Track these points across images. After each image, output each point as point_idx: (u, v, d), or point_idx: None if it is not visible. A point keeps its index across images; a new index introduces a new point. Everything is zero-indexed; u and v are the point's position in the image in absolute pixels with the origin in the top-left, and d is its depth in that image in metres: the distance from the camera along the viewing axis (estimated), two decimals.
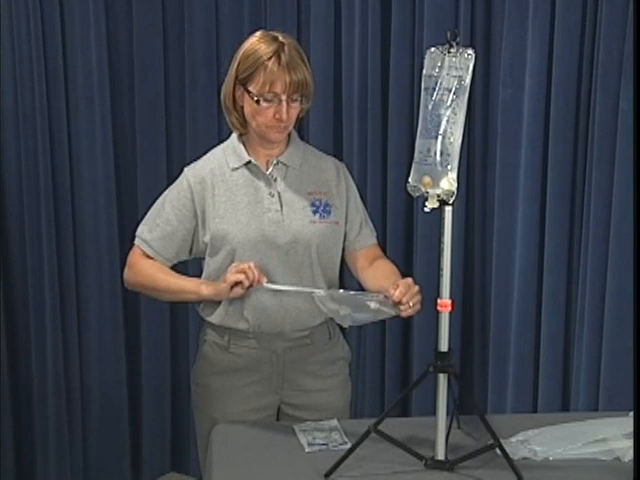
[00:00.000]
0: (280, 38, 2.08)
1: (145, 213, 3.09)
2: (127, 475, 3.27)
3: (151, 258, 2.21)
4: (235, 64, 2.10)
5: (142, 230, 2.24)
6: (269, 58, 2.04)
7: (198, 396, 2.28)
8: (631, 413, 2.00)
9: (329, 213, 2.17)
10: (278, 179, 2.17)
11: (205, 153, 2.23)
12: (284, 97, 2.05)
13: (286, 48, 2.05)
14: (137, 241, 2.25)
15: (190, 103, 3.08)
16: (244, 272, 2.02)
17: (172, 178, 3.02)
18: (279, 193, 2.15)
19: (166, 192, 2.23)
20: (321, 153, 2.29)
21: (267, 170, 2.17)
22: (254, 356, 2.18)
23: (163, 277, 2.19)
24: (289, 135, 2.20)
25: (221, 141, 2.25)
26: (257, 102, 2.07)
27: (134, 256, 2.25)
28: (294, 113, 2.11)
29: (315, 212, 2.16)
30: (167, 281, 2.18)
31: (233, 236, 2.12)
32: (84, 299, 3.06)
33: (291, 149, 2.20)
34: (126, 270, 2.27)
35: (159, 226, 2.20)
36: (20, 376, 3.00)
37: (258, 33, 2.12)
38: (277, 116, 2.07)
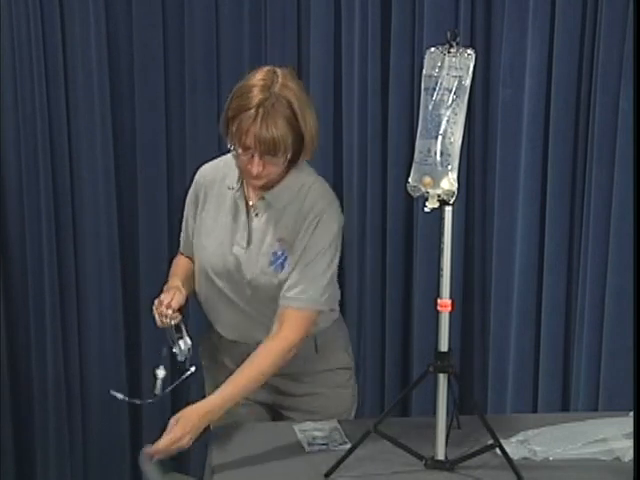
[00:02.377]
0: (276, 88, 1.94)
1: (144, 213, 3.11)
2: (127, 475, 3.26)
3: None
4: (230, 97, 2.01)
5: (182, 227, 2.30)
6: (250, 108, 1.92)
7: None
8: (631, 413, 2.00)
9: (283, 268, 2.07)
10: (259, 214, 2.10)
11: (211, 155, 2.27)
12: (256, 152, 1.94)
13: (272, 101, 1.92)
14: None
15: (190, 103, 3.08)
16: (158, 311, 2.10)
17: (172, 178, 3.06)
18: (251, 231, 2.10)
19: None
20: (325, 195, 2.10)
21: (252, 200, 2.11)
22: (239, 361, 2.15)
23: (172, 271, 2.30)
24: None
25: (220, 140, 2.25)
26: (232, 148, 1.99)
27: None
28: (273, 169, 1.99)
29: (272, 263, 2.07)
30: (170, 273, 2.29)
31: (202, 258, 2.18)
32: (84, 299, 3.05)
33: (281, 187, 2.07)
34: None
35: (186, 229, 2.27)
36: (20, 376, 3.00)
37: (261, 73, 1.99)
38: (249, 167, 1.98)
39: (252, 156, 1.96)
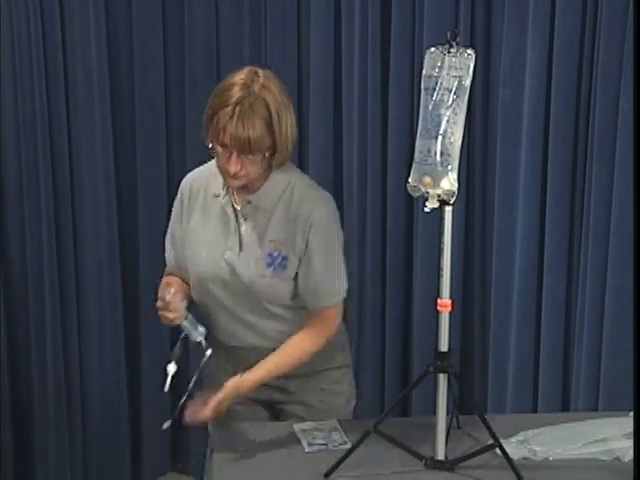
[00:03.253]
0: (256, 87, 1.93)
1: (144, 213, 3.12)
2: (127, 475, 3.27)
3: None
4: (212, 95, 2.00)
5: (167, 246, 2.24)
6: (228, 105, 1.91)
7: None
8: (631, 413, 2.00)
9: (284, 268, 2.05)
10: (248, 218, 2.07)
11: (202, 160, 2.24)
12: (233, 151, 1.93)
13: (250, 100, 1.91)
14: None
15: (190, 103, 3.08)
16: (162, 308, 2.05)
17: (172, 178, 3.06)
18: (241, 235, 2.07)
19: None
20: (308, 193, 2.07)
21: (239, 205, 2.08)
22: (238, 363, 2.14)
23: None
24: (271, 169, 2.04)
25: None
26: (210, 146, 1.97)
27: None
28: (251, 169, 1.96)
29: (270, 265, 2.05)
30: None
31: (194, 268, 2.14)
32: (84, 299, 3.06)
33: (265, 190, 2.05)
34: None
35: (172, 242, 2.22)
36: (20, 376, 3.01)
37: (242, 72, 1.98)
38: (226, 165, 1.96)
39: (230, 154, 1.94)
